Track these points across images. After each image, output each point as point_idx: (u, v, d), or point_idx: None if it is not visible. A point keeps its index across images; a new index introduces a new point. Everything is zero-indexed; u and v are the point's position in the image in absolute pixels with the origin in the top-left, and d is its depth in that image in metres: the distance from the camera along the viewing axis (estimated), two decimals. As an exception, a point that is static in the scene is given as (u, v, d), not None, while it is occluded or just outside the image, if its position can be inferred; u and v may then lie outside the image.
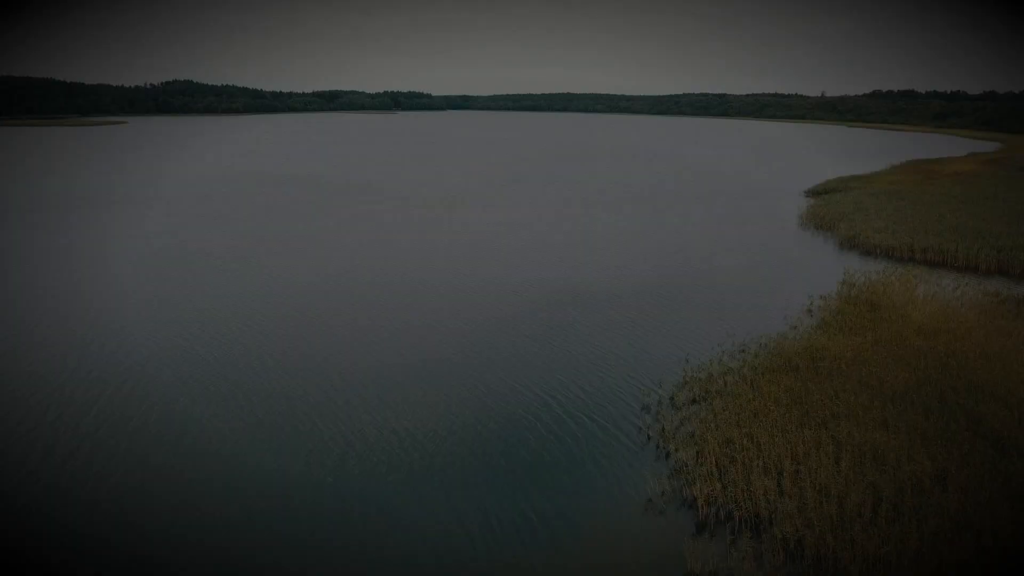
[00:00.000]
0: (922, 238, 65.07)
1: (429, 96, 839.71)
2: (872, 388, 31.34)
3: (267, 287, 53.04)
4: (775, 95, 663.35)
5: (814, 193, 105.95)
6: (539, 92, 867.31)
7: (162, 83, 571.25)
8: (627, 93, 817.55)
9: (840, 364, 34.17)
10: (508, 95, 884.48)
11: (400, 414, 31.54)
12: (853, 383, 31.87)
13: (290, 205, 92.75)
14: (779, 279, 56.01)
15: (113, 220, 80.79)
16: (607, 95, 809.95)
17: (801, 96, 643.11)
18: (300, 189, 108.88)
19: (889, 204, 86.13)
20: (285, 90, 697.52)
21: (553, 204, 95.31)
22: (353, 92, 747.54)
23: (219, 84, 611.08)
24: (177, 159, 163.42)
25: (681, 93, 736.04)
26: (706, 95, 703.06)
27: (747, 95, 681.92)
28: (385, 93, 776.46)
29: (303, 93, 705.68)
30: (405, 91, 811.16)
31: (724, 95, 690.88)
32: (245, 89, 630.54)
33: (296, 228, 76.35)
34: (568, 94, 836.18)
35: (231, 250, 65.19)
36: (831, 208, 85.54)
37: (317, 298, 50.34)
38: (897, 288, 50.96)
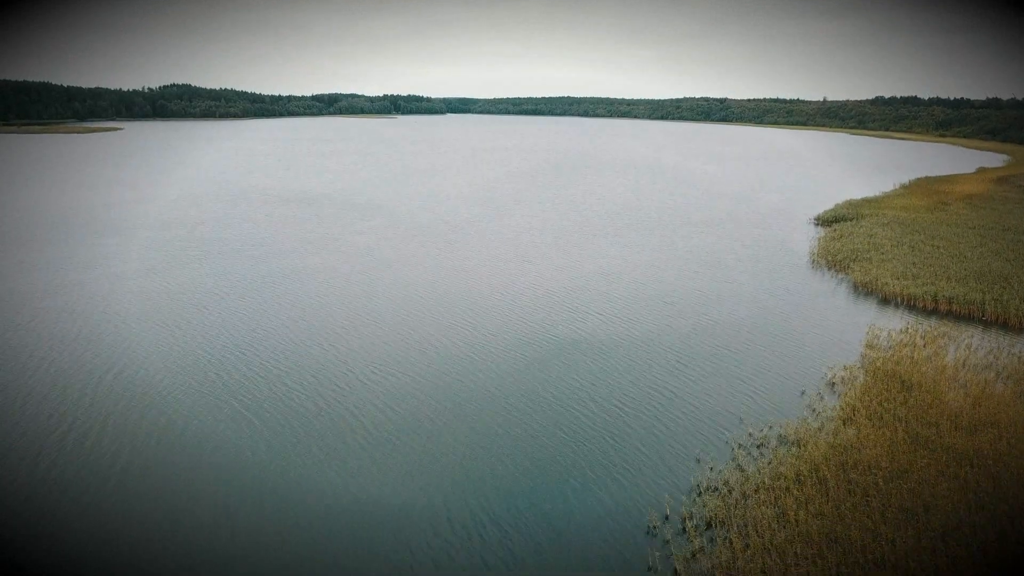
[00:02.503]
0: (945, 286, 60.82)
1: (428, 100, 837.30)
2: (917, 518, 27.09)
3: (275, 312, 48.81)
4: (776, 100, 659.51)
5: (824, 221, 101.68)
6: (539, 96, 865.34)
7: (160, 87, 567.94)
8: (628, 97, 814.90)
9: (876, 478, 29.92)
10: (508, 99, 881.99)
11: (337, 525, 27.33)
12: (894, 510, 27.60)
13: (290, 226, 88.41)
14: (794, 339, 51.61)
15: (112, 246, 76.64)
16: (608, 99, 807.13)
17: (803, 101, 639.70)
18: (299, 208, 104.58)
19: (904, 239, 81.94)
20: (284, 94, 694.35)
21: (552, 233, 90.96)
22: (352, 96, 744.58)
23: (217, 88, 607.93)
24: (166, 180, 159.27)
25: (682, 97, 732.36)
26: (707, 100, 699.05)
27: (748, 100, 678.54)
28: (384, 97, 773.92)
29: (302, 97, 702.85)
30: (404, 94, 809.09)
31: (725, 100, 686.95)
32: (243, 93, 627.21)
33: (299, 252, 72.05)
34: (568, 98, 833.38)
35: (217, 288, 60.97)
36: (843, 243, 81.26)
37: (322, 324, 46.16)
38: (924, 352, 46.89)
